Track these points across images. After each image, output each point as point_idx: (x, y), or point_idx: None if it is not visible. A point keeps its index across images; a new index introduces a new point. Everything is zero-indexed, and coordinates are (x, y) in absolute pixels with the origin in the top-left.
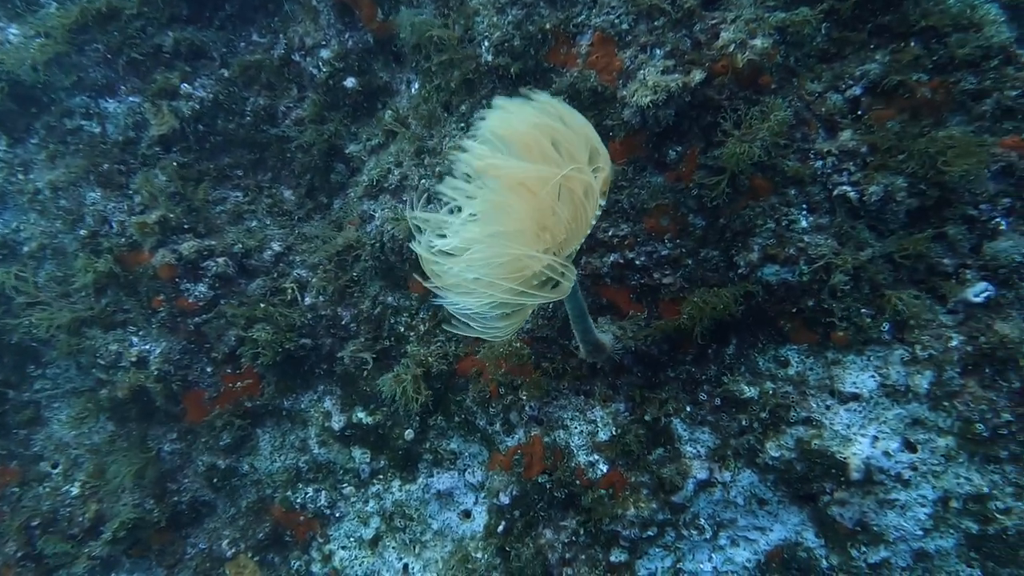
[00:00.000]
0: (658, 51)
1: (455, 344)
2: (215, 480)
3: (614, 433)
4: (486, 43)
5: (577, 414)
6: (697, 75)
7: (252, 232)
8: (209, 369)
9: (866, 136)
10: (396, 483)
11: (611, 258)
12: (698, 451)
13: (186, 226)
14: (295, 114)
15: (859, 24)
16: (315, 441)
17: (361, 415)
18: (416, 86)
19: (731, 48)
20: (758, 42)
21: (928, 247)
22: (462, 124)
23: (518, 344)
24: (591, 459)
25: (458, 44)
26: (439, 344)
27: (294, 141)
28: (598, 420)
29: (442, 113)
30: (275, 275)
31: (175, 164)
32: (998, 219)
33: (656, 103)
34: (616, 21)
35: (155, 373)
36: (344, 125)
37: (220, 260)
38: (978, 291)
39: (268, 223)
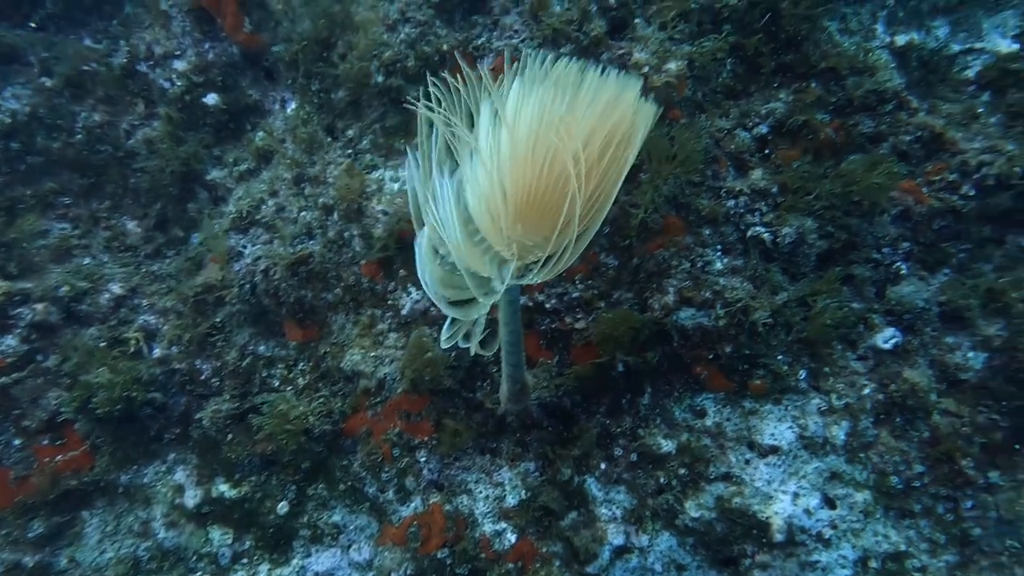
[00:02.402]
0: None
1: (341, 399)
2: None
3: (523, 497)
4: (375, 62)
5: (483, 476)
6: None
7: (83, 271)
8: (17, 442)
9: (776, 176)
10: (264, 567)
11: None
12: (614, 513)
13: None
14: (142, 133)
15: (763, 62)
16: (161, 523)
17: (223, 488)
18: (293, 106)
19: (646, 70)
20: (672, 66)
21: (840, 291)
22: (348, 151)
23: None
24: (498, 527)
25: (343, 61)
26: (322, 399)
27: (141, 164)
28: (506, 482)
29: (324, 137)
30: (114, 322)
31: None
32: (899, 263)
33: None
34: (520, 46)
35: None
36: (205, 148)
37: (39, 306)
38: (887, 337)
39: (106, 260)
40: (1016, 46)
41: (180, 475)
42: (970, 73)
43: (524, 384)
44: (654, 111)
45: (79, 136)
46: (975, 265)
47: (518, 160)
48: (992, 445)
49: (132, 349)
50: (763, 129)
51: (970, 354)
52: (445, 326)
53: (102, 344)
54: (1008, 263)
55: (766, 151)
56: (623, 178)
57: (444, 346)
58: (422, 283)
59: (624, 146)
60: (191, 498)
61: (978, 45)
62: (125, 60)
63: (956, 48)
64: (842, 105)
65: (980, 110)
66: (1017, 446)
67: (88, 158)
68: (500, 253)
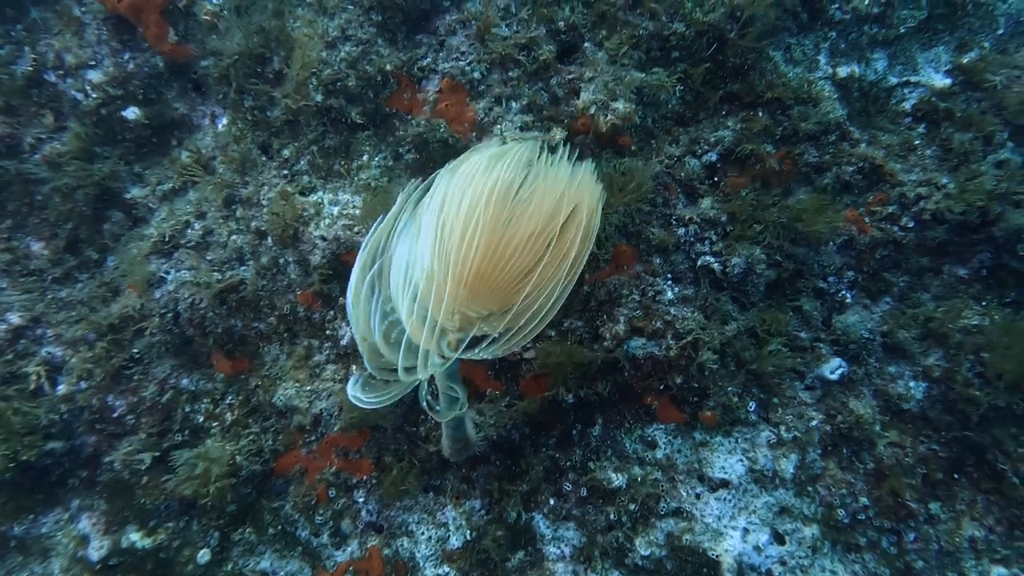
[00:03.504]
0: (514, 104)
1: (272, 436)
2: None
3: (468, 538)
4: (314, 80)
5: (425, 516)
6: (558, 133)
7: None
8: None
9: (725, 204)
10: None
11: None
12: (562, 552)
13: None
14: (49, 147)
15: (711, 90)
16: None
17: (134, 537)
18: (224, 122)
19: (592, 110)
20: (620, 105)
21: (787, 321)
22: (284, 171)
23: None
24: (440, 572)
25: (277, 78)
26: (252, 437)
27: (49, 183)
28: (450, 522)
29: (259, 156)
30: (11, 356)
31: None
32: (844, 292)
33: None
34: (467, 68)
35: None
36: (125, 164)
37: None
38: (833, 367)
39: (4, 286)
40: (948, 80)
41: (84, 524)
42: (907, 105)
43: (467, 440)
44: (601, 195)
45: None
46: (914, 295)
47: (467, 232)
48: (932, 476)
49: (32, 386)
50: (712, 157)
51: (911, 383)
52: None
53: None
54: (945, 293)
55: (715, 178)
56: (582, 259)
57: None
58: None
59: (576, 230)
60: (96, 549)
61: (914, 78)
62: (30, 68)
63: (893, 80)
64: (788, 135)
65: (917, 142)
66: (956, 476)
67: None
68: (439, 322)
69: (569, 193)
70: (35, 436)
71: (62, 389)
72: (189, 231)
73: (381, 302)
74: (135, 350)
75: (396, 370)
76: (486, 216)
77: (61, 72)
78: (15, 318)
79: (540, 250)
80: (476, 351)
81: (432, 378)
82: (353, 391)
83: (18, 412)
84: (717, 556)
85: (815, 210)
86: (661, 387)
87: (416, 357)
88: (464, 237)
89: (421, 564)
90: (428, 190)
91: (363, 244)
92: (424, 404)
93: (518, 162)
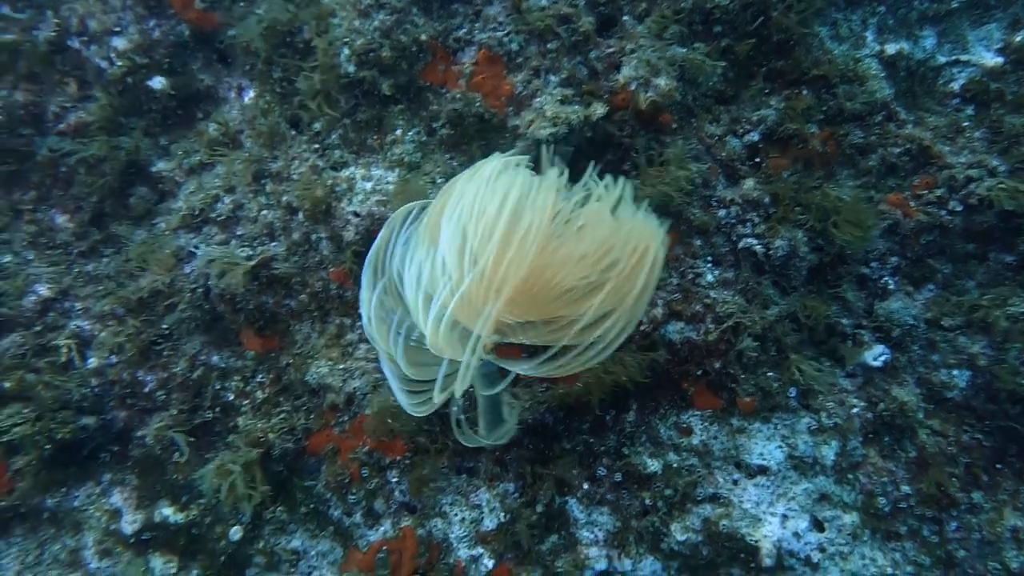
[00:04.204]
0: (552, 77)
1: (304, 415)
2: None
3: (502, 520)
4: (346, 51)
5: (458, 498)
6: (599, 109)
7: (5, 270)
8: None
9: (768, 186)
10: None
11: None
12: (596, 536)
13: None
14: (74, 117)
15: (754, 67)
16: (93, 551)
17: (167, 511)
18: (250, 94)
19: (633, 86)
20: (661, 81)
21: (830, 307)
22: (315, 145)
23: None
24: (474, 553)
25: (308, 49)
26: (283, 415)
27: (74, 154)
28: (483, 504)
29: (288, 130)
30: (40, 328)
31: None
32: (887, 278)
33: (556, 136)
34: (505, 39)
35: None
36: (150, 136)
37: None
38: (876, 354)
39: (30, 258)
40: (1000, 59)
41: (116, 498)
42: (955, 86)
43: (505, 427)
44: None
45: None
46: (959, 282)
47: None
48: (975, 465)
49: (63, 359)
50: (754, 136)
51: (955, 372)
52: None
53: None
54: (990, 280)
55: (756, 159)
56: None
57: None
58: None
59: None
60: (129, 523)
61: (963, 57)
62: (53, 34)
63: (942, 59)
64: (833, 115)
65: (965, 124)
66: (999, 465)
67: (7, 142)
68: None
69: (628, 226)
70: (67, 411)
71: (93, 363)
72: (219, 205)
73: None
74: (164, 326)
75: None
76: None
77: (85, 38)
78: (44, 290)
79: (591, 273)
80: (527, 366)
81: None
82: (402, 397)
83: (49, 386)
84: (756, 542)
85: (852, 217)
86: (699, 372)
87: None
88: (508, 245)
89: (455, 545)
90: (424, 208)
91: (366, 262)
92: (455, 425)
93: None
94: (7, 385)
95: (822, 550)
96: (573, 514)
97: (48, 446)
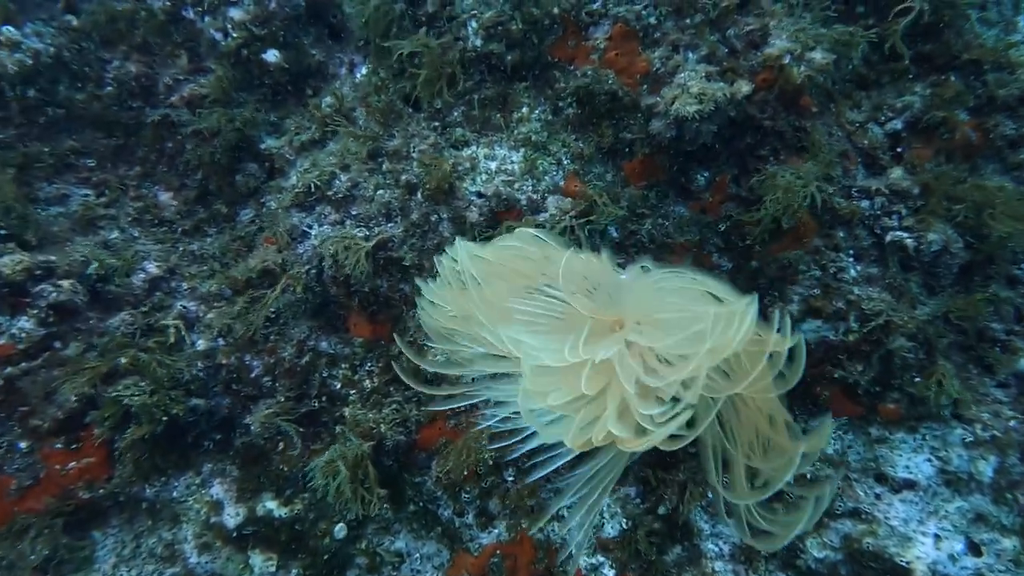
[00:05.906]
0: (691, 54)
1: (415, 406)
2: None
3: (624, 527)
4: (474, 23)
5: (576, 501)
6: (743, 87)
7: (113, 247)
8: (23, 445)
9: (917, 176)
10: None
11: None
12: (721, 550)
13: (2, 231)
14: (186, 90)
15: (900, 50)
16: (192, 544)
17: (271, 505)
18: (363, 71)
19: (787, 59)
20: (817, 55)
21: (985, 309)
22: (435, 123)
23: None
24: (594, 561)
25: (431, 20)
26: (394, 406)
27: (186, 126)
28: (604, 508)
29: (403, 107)
30: (148, 307)
31: None
32: None
33: (702, 114)
34: (643, 13)
35: None
36: (261, 112)
37: (64, 284)
38: None
39: (136, 235)
40: None
41: (217, 489)
42: None
43: None
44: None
45: (109, 88)
46: None
47: None
48: None
49: (172, 339)
50: (897, 124)
51: None
52: None
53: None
54: None
55: (898, 149)
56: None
57: None
58: None
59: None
60: (231, 516)
61: None
62: (168, 3)
63: None
64: (982, 104)
65: None
66: None
67: (117, 115)
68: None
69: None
70: (179, 391)
71: (201, 345)
72: (336, 183)
73: None
74: (272, 308)
75: None
76: None
77: (200, 9)
78: (152, 267)
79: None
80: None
81: None
82: None
83: (162, 364)
84: (908, 563)
85: (1011, 209)
86: (835, 376)
87: None
88: None
89: (574, 551)
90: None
91: None
92: None
93: None
94: (123, 360)
95: None
96: (697, 524)
97: (164, 418)
